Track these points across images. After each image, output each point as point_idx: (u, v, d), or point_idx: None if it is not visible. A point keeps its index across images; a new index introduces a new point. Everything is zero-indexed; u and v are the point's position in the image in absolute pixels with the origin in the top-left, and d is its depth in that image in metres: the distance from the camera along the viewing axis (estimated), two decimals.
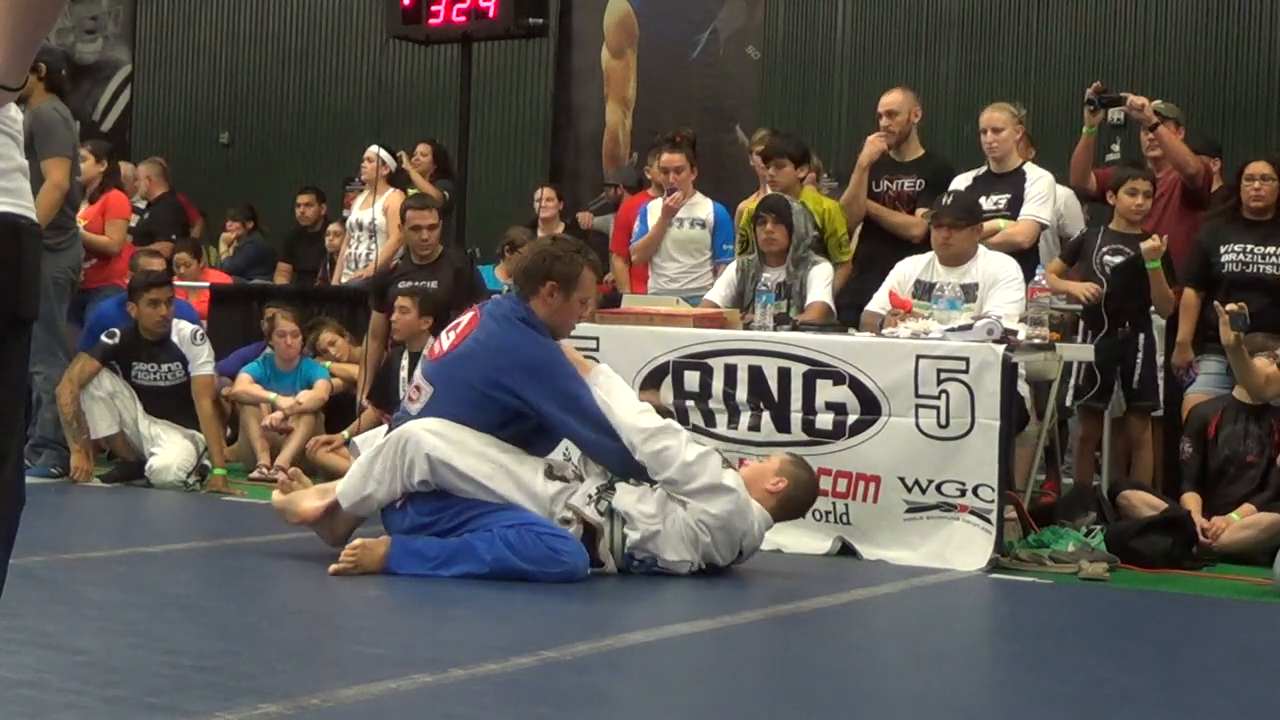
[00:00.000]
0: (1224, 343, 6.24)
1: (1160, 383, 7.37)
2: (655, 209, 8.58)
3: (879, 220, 7.78)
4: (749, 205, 8.11)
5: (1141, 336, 7.22)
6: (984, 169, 7.66)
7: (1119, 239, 7.30)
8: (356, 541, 5.19)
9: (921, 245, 7.37)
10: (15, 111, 2.25)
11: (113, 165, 9.88)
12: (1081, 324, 7.46)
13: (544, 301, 5.49)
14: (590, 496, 5.35)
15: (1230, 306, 6.12)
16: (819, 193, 8.35)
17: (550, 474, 5.39)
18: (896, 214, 7.75)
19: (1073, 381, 7.28)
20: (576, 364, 5.52)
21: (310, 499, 5.56)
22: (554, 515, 5.29)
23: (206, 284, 10.31)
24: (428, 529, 5.31)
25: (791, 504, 5.67)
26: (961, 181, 7.60)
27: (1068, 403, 7.37)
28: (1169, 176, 7.82)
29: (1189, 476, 6.73)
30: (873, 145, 7.73)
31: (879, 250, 7.69)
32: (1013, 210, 7.43)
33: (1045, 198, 7.49)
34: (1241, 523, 6.34)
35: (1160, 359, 7.42)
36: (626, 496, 5.35)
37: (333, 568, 5.12)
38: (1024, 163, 7.64)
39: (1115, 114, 8.80)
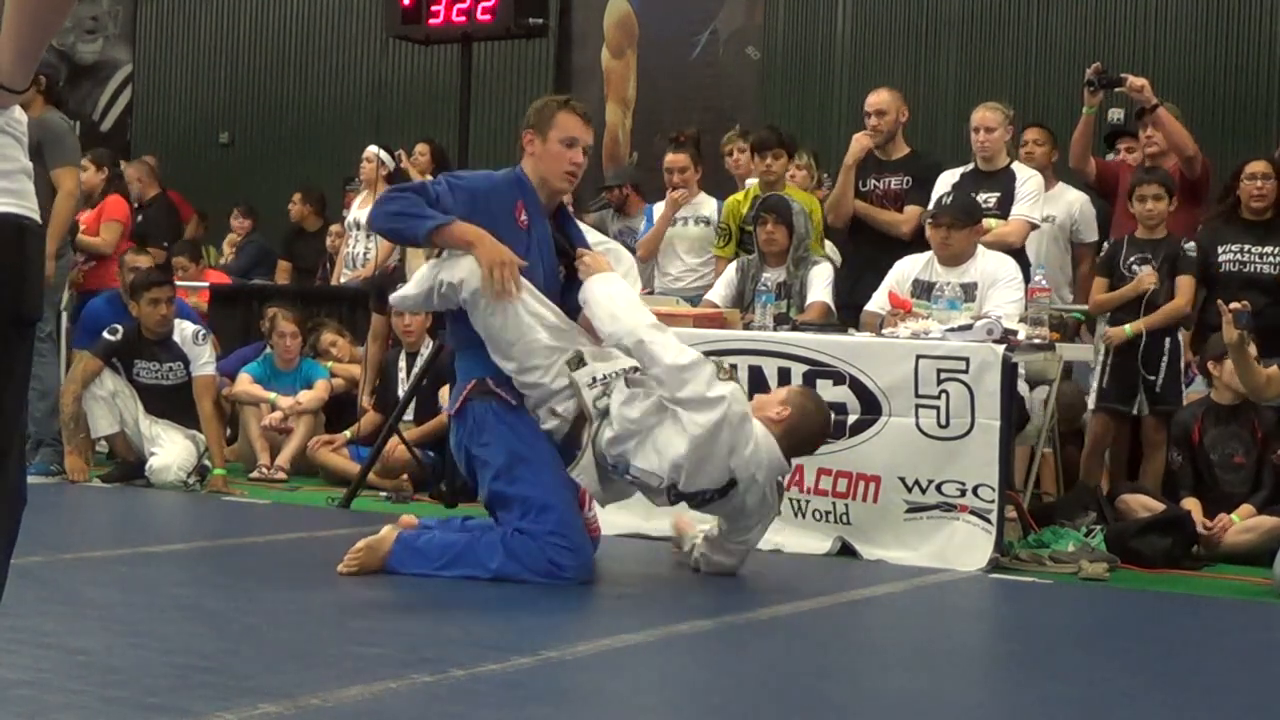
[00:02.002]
0: (1227, 341, 6.23)
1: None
2: (660, 208, 8.60)
3: (867, 219, 7.78)
4: (736, 198, 8.13)
5: (1167, 340, 7.19)
6: (970, 166, 7.66)
7: (1142, 246, 7.26)
8: (360, 543, 5.18)
9: (911, 242, 7.38)
10: (20, 114, 2.26)
11: (114, 171, 9.86)
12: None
13: (529, 156, 5.36)
14: (595, 379, 5.12)
15: (1234, 305, 6.11)
16: (807, 190, 8.38)
17: (574, 364, 5.14)
18: (885, 212, 7.74)
19: (1095, 384, 7.27)
20: (594, 265, 5.30)
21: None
22: (548, 404, 5.15)
23: (206, 284, 10.31)
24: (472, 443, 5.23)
25: (798, 435, 5.23)
26: (949, 178, 7.59)
27: (1090, 405, 7.37)
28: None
29: (1184, 485, 6.73)
30: (858, 143, 7.73)
31: (870, 250, 7.69)
32: (1003, 209, 7.45)
33: (1035, 198, 7.52)
34: (1241, 526, 6.34)
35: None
36: (618, 395, 5.11)
37: (340, 567, 5.13)
38: (1011, 162, 7.65)
39: (1115, 115, 8.79)
